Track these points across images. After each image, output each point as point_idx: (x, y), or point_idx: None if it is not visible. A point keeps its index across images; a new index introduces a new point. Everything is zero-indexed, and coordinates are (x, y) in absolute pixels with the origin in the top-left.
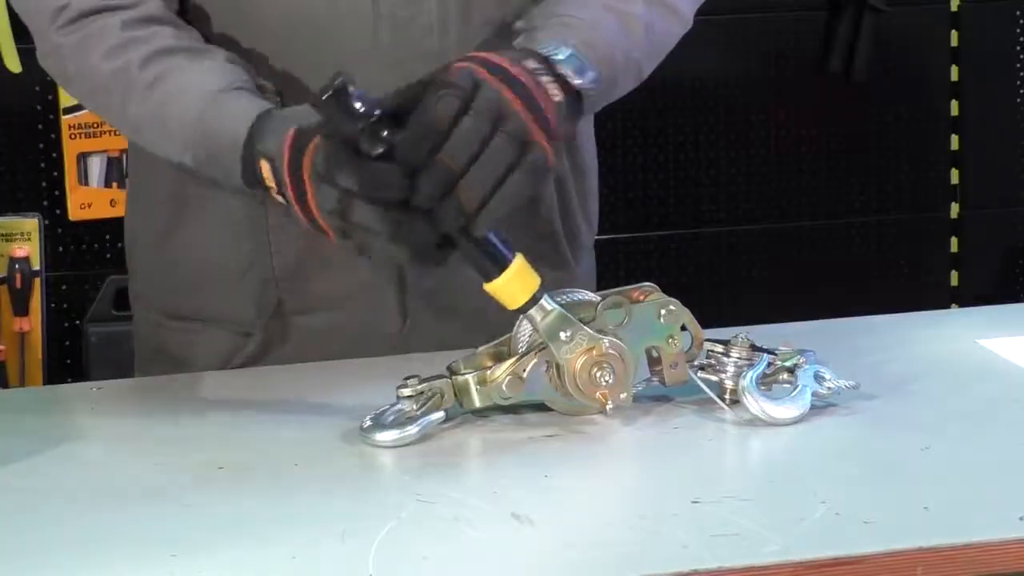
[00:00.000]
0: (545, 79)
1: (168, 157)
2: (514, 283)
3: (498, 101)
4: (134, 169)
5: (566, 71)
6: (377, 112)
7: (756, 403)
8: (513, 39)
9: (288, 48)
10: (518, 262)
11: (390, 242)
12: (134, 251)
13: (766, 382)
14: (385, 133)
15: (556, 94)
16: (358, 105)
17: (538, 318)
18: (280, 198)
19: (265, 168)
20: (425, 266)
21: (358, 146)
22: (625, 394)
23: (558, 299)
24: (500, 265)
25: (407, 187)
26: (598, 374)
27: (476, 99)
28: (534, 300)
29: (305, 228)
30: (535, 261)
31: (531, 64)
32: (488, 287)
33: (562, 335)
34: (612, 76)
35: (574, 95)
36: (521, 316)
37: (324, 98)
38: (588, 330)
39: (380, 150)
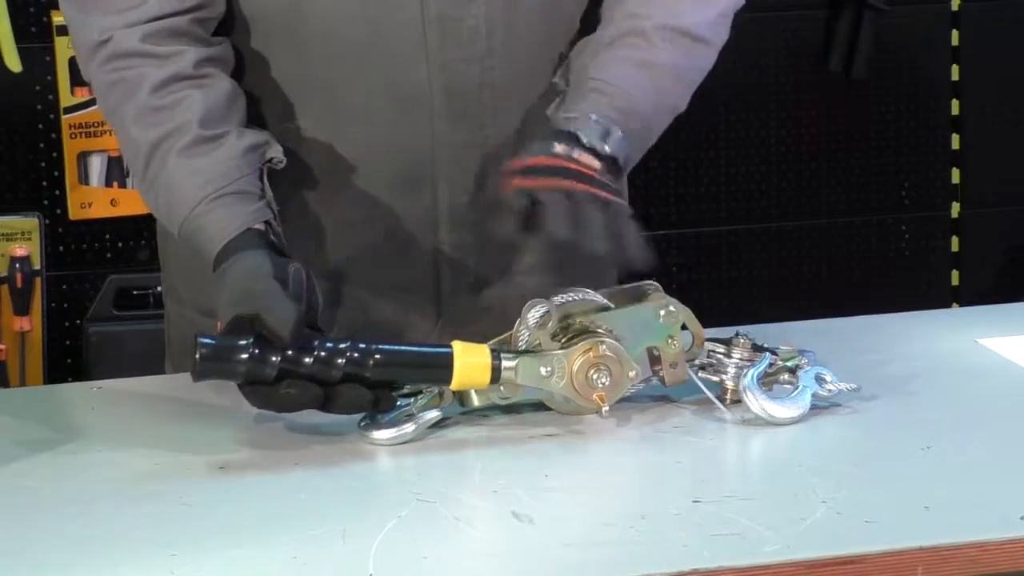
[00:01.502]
0: (578, 154)
1: None
2: (469, 370)
3: (556, 192)
4: None
5: (593, 143)
6: (249, 340)
7: (757, 402)
8: (549, 95)
9: (338, 48)
10: (456, 348)
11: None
12: (168, 248)
13: (767, 382)
14: (258, 352)
15: (592, 162)
16: (232, 343)
17: (513, 377)
18: None
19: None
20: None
21: (257, 379)
22: (634, 372)
23: (525, 331)
24: (445, 364)
25: (319, 395)
26: (595, 376)
27: (540, 200)
28: (496, 370)
29: None
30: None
31: (560, 148)
32: (454, 388)
33: (543, 371)
34: (646, 129)
35: (610, 159)
36: (521, 316)
37: (195, 378)
38: (559, 352)
39: (275, 372)
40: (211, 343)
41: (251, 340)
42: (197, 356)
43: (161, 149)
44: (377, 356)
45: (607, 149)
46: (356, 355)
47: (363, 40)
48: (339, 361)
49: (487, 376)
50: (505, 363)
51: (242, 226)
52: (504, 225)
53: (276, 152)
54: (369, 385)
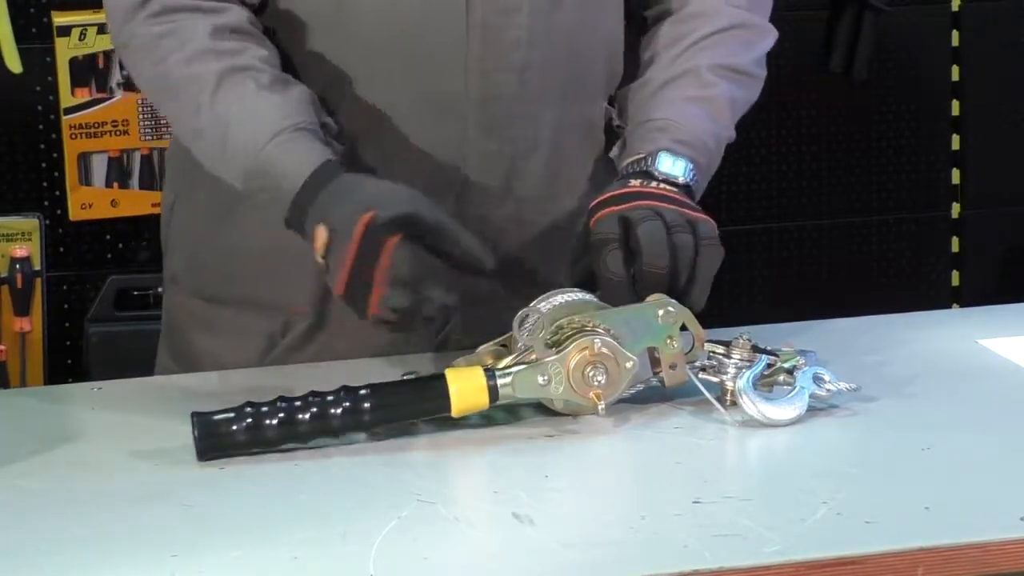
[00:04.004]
0: (655, 185)
1: (217, 173)
2: (466, 395)
3: (653, 217)
4: (183, 155)
5: (667, 174)
6: (241, 410)
7: (752, 405)
8: (609, 131)
9: (380, 53)
10: (449, 375)
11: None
12: (171, 235)
13: (766, 383)
14: (252, 421)
15: (670, 188)
16: (224, 417)
17: (512, 392)
18: (321, 261)
19: (321, 235)
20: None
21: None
22: (631, 362)
23: (520, 346)
24: (441, 394)
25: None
26: (591, 373)
27: (638, 229)
28: (494, 390)
29: (336, 295)
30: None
31: (636, 182)
32: (455, 414)
33: (540, 380)
34: (708, 163)
35: (684, 187)
36: (519, 315)
37: (199, 457)
38: (554, 357)
39: (276, 434)
40: (204, 421)
41: (243, 410)
42: (196, 434)
43: (231, 81)
44: (370, 401)
45: (681, 179)
46: (349, 404)
47: (405, 43)
48: (334, 411)
49: (485, 398)
50: (501, 380)
51: (323, 157)
52: (612, 259)
53: (328, 119)
54: (368, 427)
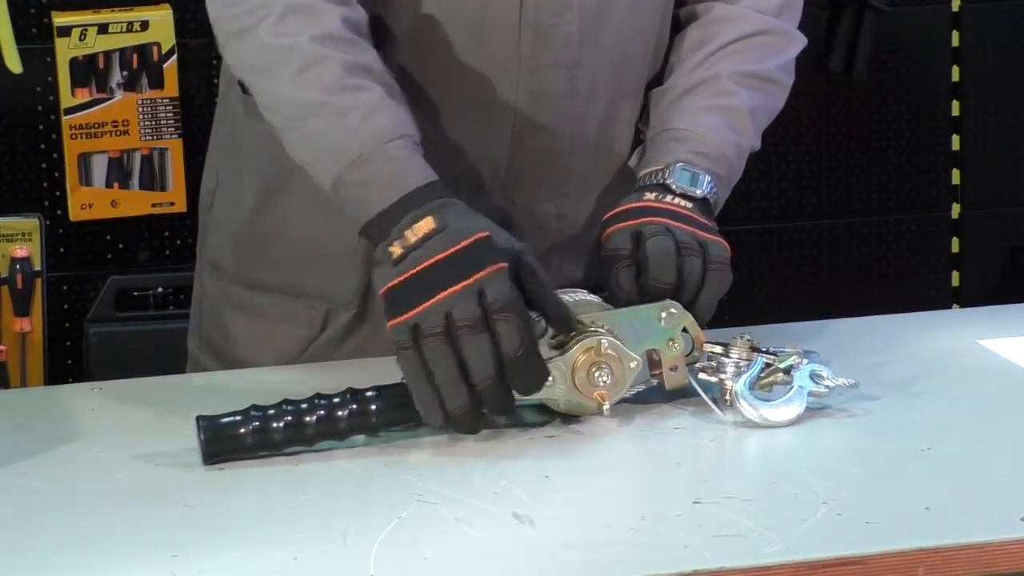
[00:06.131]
0: (670, 199)
1: (299, 148)
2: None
3: (664, 233)
4: (229, 140)
5: (684, 188)
6: (247, 413)
7: (751, 408)
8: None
9: (433, 48)
10: None
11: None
12: (211, 220)
13: (764, 384)
14: (259, 424)
15: (685, 204)
16: (231, 420)
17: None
18: (394, 250)
19: (425, 225)
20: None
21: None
22: (635, 362)
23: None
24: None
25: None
26: (596, 374)
27: (647, 243)
28: None
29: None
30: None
31: (651, 195)
32: None
33: (546, 382)
34: (729, 174)
35: (701, 201)
36: None
37: (204, 460)
38: (559, 360)
39: (282, 436)
40: (211, 424)
41: (249, 413)
42: (202, 438)
43: (361, 75)
44: (377, 403)
45: (698, 192)
46: (356, 406)
47: (458, 39)
48: (340, 414)
49: None
50: None
51: (435, 176)
52: (623, 276)
53: None
54: (375, 429)
